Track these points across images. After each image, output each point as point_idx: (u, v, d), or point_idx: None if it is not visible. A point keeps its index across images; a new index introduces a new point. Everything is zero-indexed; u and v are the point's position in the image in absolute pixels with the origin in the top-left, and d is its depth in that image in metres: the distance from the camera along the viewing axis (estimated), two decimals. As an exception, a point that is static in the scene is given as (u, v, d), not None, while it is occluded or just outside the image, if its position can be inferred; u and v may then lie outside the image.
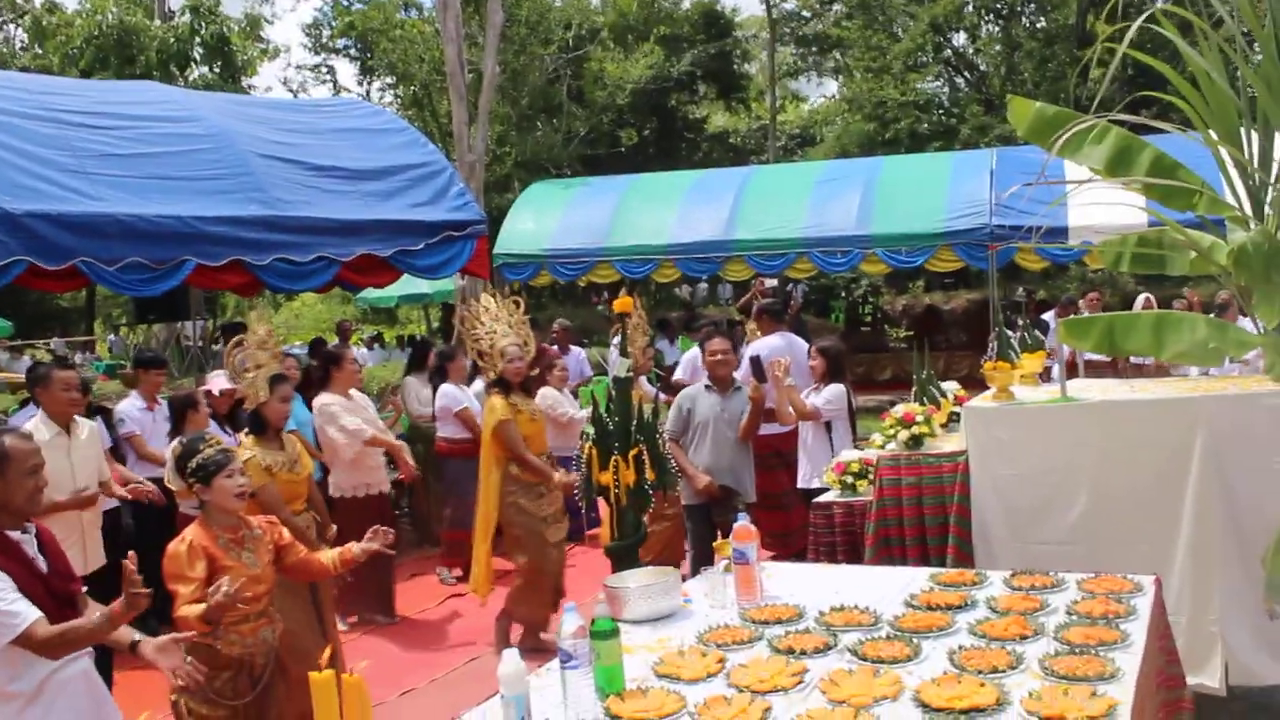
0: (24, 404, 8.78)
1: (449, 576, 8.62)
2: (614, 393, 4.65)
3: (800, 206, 15.86)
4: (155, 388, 7.98)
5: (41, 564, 3.56)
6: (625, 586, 3.94)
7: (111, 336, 31.13)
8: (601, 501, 4.89)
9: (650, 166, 26.65)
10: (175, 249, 7.80)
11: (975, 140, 27.27)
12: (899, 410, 5.64)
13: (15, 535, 3.53)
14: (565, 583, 7.00)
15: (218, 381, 7.58)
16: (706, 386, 6.70)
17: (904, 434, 5.50)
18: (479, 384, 8.78)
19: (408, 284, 22.97)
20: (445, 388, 8.72)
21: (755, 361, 7.97)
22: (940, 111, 31.57)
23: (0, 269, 7.07)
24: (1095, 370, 9.37)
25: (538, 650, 6.88)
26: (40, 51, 25.18)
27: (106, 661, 6.17)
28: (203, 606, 3.83)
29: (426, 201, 9.57)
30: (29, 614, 3.32)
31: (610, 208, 16.98)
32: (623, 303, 5.03)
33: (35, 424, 6.00)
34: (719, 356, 6.62)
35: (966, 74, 33.87)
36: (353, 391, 7.57)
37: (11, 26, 34.64)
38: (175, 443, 4.30)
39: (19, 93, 8.46)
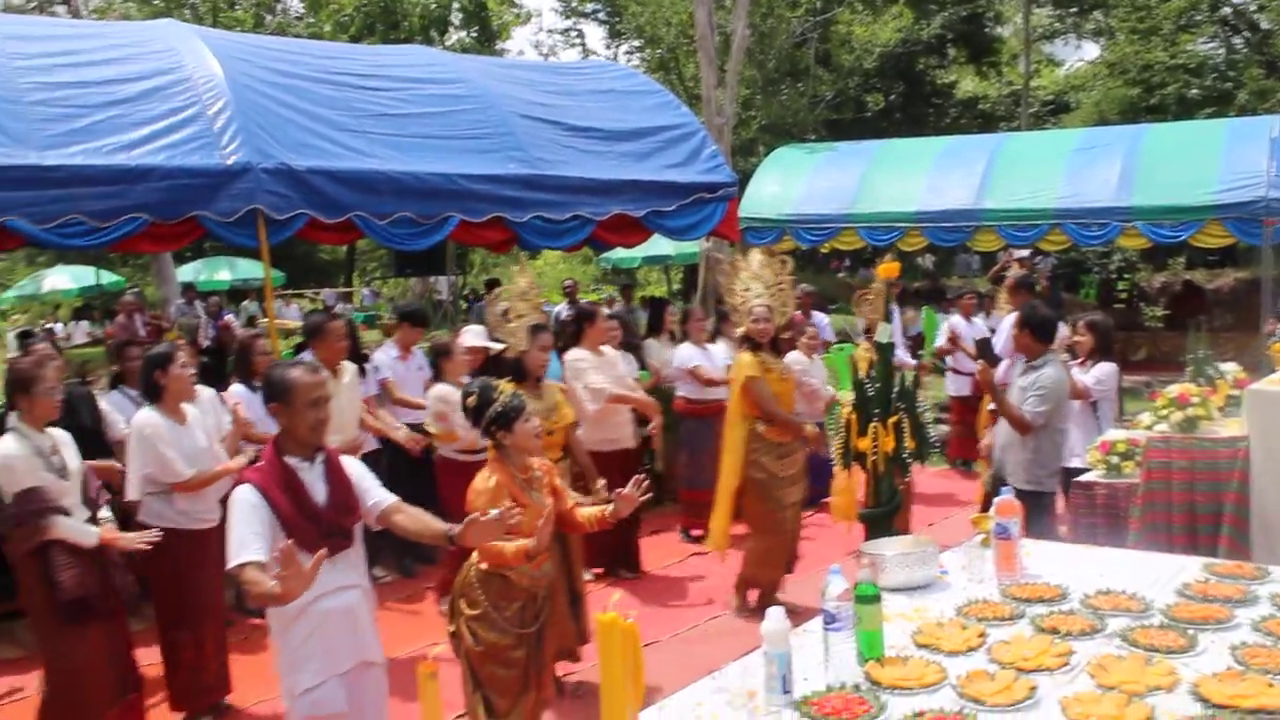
0: (298, 349, 9.38)
1: (688, 536, 8.74)
2: (876, 358, 4.59)
3: (1055, 175, 15.25)
4: (413, 340, 8.36)
5: (320, 493, 3.74)
6: (882, 554, 3.90)
7: (365, 290, 32.80)
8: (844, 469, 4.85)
9: (895, 133, 26.06)
10: (441, 205, 8.19)
11: (1253, 106, 25.41)
12: (1173, 390, 5.33)
13: (294, 463, 3.73)
14: (803, 549, 6.97)
15: (469, 338, 7.85)
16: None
17: (1178, 415, 5.19)
18: (720, 345, 8.82)
19: (650, 245, 23.21)
20: (682, 346, 8.82)
21: (985, 344, 7.71)
22: (1214, 75, 29.39)
23: (285, 221, 7.59)
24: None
25: (746, 612, 6.91)
26: (314, 20, 26.67)
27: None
28: (525, 542, 4.04)
29: (679, 163, 9.68)
30: (245, 556, 3.51)
31: (857, 173, 16.75)
32: (888, 268, 4.96)
33: None
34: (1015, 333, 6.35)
35: (1246, 33, 31.49)
36: (605, 348, 7.72)
37: (290, -3, 36.78)
38: (465, 391, 4.51)
39: (303, 57, 9.01)
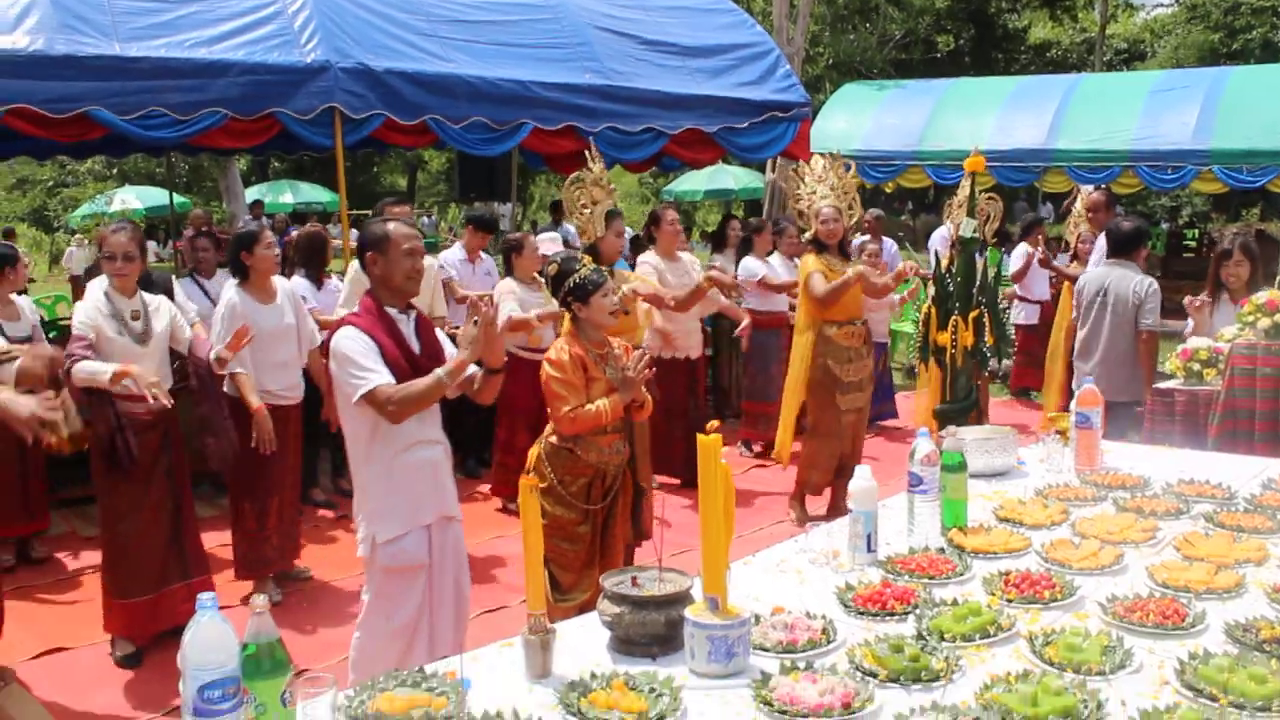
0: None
1: (747, 449, 8.72)
2: (958, 253, 4.55)
3: (1131, 117, 14.98)
4: (479, 245, 8.37)
5: (415, 345, 3.83)
6: (962, 439, 3.88)
7: (425, 219, 33.02)
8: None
9: (963, 76, 25.57)
10: (515, 111, 8.21)
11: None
12: (1261, 297, 5.20)
13: (393, 313, 3.81)
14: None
15: (544, 244, 7.85)
16: None
17: (1265, 321, 5.06)
18: (776, 257, 8.66)
19: (713, 178, 23.07)
20: (745, 260, 8.72)
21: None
22: (1306, 16, 28.47)
23: (361, 121, 7.64)
24: None
25: (808, 519, 6.70)
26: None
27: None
28: (614, 398, 4.19)
29: (753, 81, 9.60)
30: (376, 379, 3.58)
31: (926, 111, 16.58)
32: (974, 161, 4.89)
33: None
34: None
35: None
36: (685, 255, 7.63)
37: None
38: (549, 264, 4.53)
39: (380, -40, 8.98)
